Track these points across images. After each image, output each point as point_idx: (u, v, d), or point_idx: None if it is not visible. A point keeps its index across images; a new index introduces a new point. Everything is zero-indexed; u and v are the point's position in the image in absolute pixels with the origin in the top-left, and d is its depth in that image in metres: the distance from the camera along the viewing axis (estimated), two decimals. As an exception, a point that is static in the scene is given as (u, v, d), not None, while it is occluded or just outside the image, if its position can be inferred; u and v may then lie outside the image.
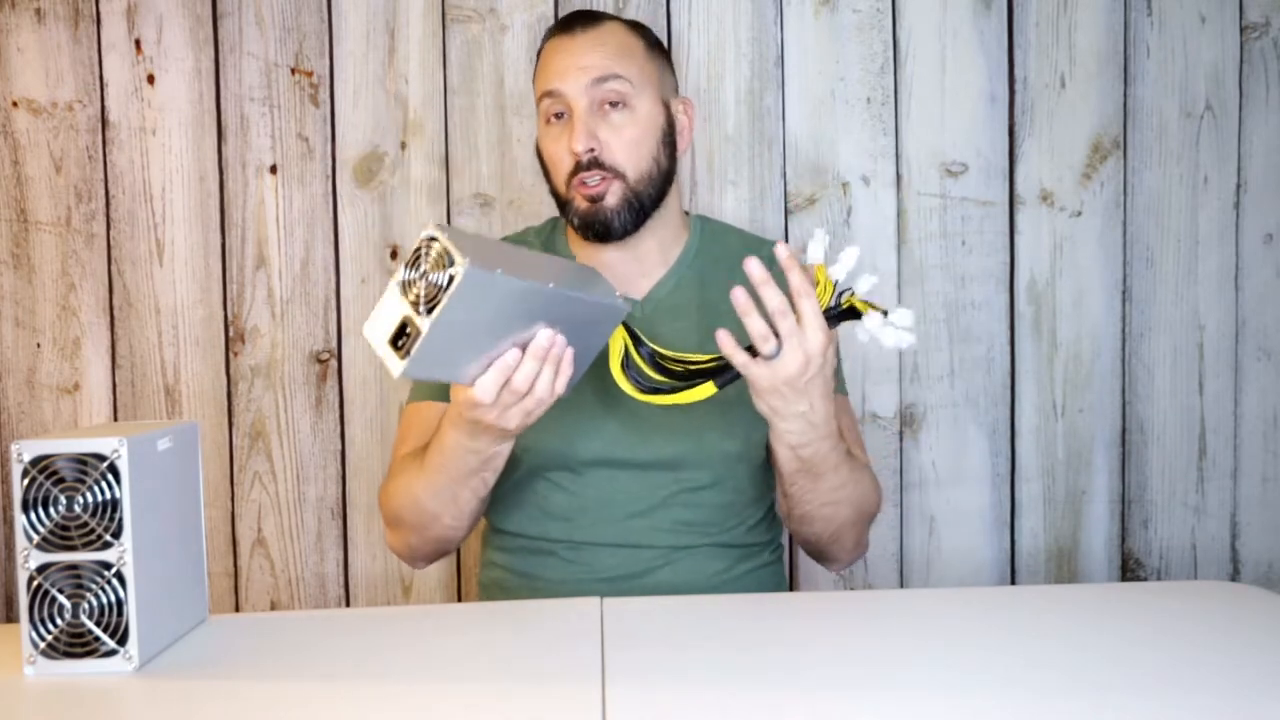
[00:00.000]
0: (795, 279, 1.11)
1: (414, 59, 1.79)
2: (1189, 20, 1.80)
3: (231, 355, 1.81)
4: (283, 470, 1.81)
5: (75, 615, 1.01)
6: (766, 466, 1.40)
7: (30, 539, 1.01)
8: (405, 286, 1.00)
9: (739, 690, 0.96)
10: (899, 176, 1.80)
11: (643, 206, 1.36)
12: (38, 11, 1.78)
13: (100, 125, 1.79)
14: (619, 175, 1.34)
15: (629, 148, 1.35)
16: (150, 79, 1.79)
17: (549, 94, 1.36)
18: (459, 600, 1.81)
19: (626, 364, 1.20)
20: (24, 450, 1.01)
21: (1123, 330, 1.82)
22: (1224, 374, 1.83)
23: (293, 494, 1.82)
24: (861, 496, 1.32)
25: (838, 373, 1.41)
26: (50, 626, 1.02)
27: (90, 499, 1.01)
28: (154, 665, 1.04)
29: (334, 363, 1.81)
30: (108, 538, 1.01)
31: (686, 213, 1.49)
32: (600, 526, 1.36)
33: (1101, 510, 1.83)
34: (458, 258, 0.97)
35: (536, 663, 1.05)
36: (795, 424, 1.18)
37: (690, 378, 1.18)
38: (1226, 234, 1.82)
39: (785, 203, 1.80)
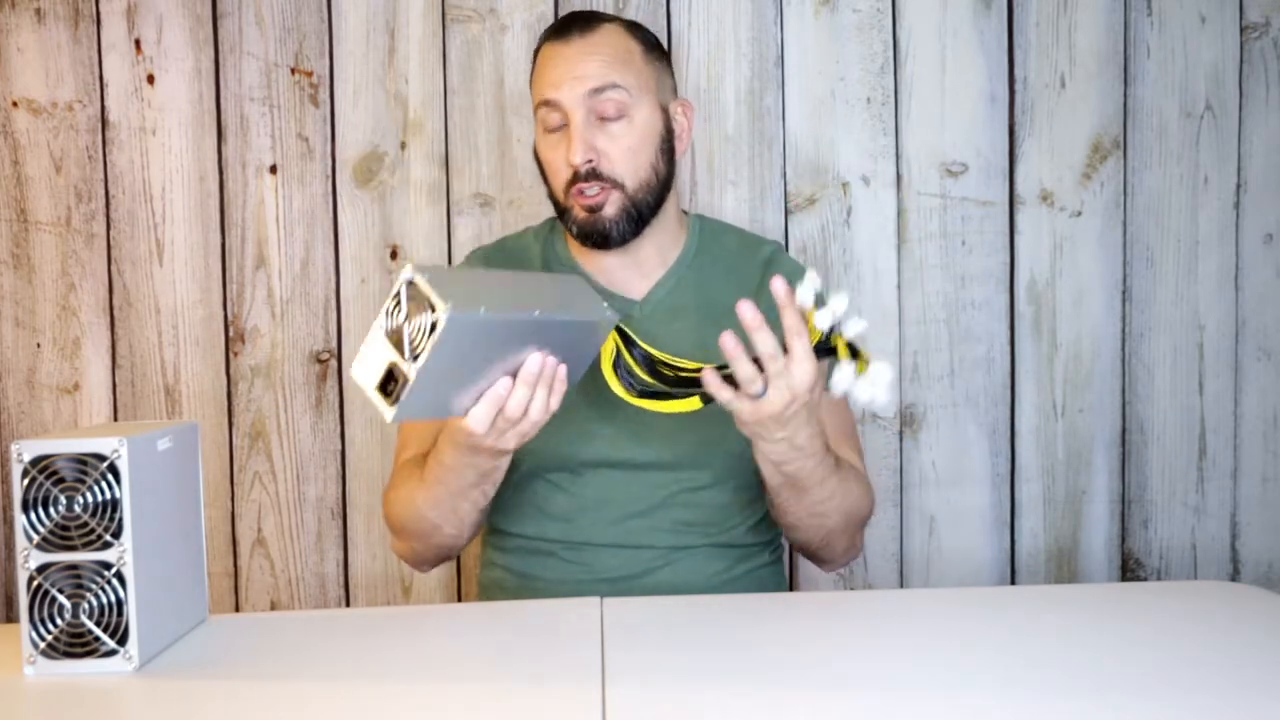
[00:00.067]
0: (790, 319, 1.10)
1: (414, 59, 1.79)
2: (1189, 20, 1.80)
3: (231, 355, 1.81)
4: (283, 470, 1.81)
5: (75, 615, 1.01)
6: (766, 467, 1.40)
7: (30, 539, 1.01)
8: (389, 332, 1.00)
9: (739, 690, 0.96)
10: (899, 176, 1.80)
11: (641, 215, 1.36)
12: (38, 11, 1.78)
13: (100, 125, 1.79)
14: (617, 185, 1.34)
15: (627, 157, 1.34)
16: (150, 79, 1.79)
17: (546, 104, 1.35)
18: (459, 600, 1.81)
19: (618, 365, 1.20)
20: (24, 450, 1.01)
21: (1123, 330, 1.82)
22: (1224, 374, 1.83)
23: (293, 494, 1.82)
24: (850, 506, 1.32)
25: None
26: (50, 626, 1.02)
27: (90, 499, 1.01)
28: (154, 665, 1.04)
29: (334, 363, 1.81)
30: (108, 538, 1.01)
31: (685, 212, 1.49)
32: (600, 527, 1.36)
33: (1101, 510, 1.83)
34: (439, 303, 0.96)
35: (536, 663, 1.05)
36: (778, 446, 1.19)
37: (681, 384, 1.18)
38: (1226, 234, 1.82)
39: (785, 203, 1.80)
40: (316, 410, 1.81)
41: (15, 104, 1.79)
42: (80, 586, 1.01)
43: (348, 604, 1.83)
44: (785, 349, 1.11)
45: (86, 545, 1.01)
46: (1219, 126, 1.81)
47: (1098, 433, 1.82)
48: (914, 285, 1.81)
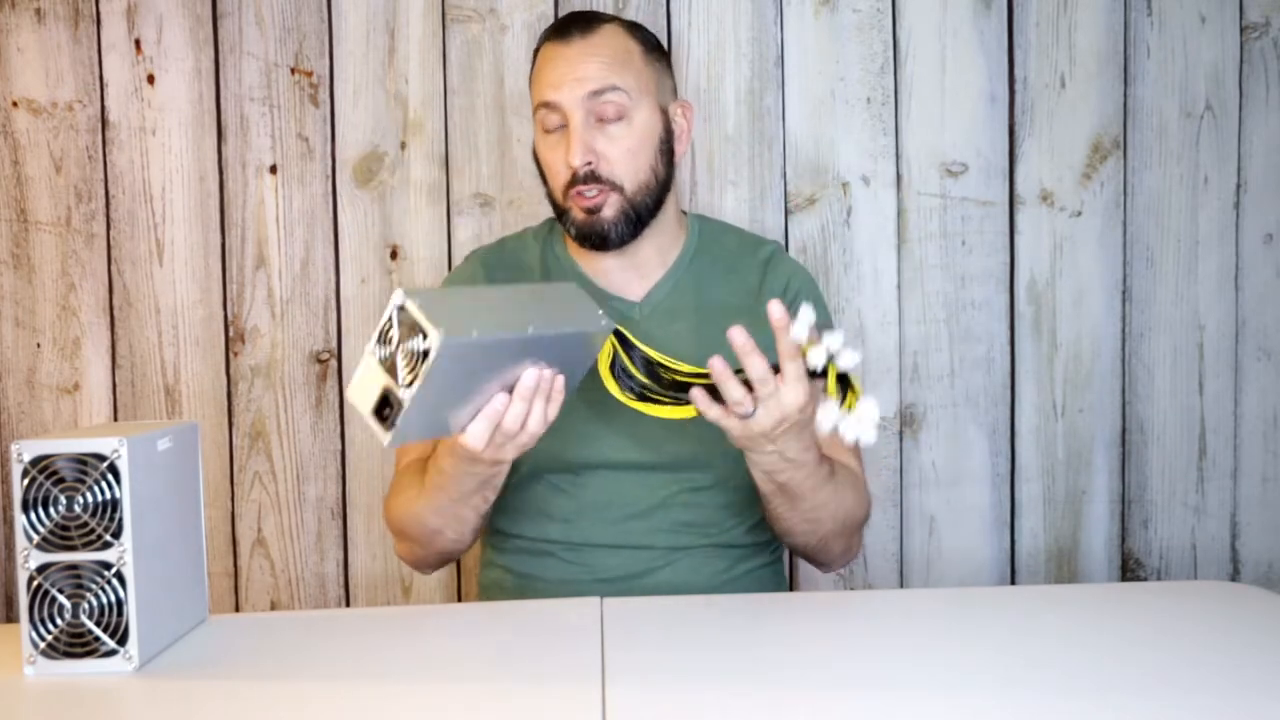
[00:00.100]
0: (784, 344, 1.10)
1: (414, 59, 1.79)
2: (1189, 20, 1.80)
3: (231, 355, 1.81)
4: (283, 470, 1.81)
5: (75, 615, 1.01)
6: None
7: (30, 539, 1.01)
8: (382, 359, 1.00)
9: (739, 690, 0.96)
10: (899, 176, 1.80)
11: (640, 216, 1.36)
12: (38, 11, 1.78)
13: (100, 125, 1.79)
14: (616, 187, 1.34)
15: (626, 159, 1.34)
16: (150, 79, 1.79)
17: (545, 105, 1.35)
18: (459, 600, 1.81)
19: (615, 367, 1.20)
20: (24, 450, 1.01)
21: (1123, 330, 1.82)
22: (1224, 374, 1.83)
23: (293, 494, 1.82)
24: (845, 512, 1.32)
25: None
26: (50, 626, 1.02)
27: (90, 499, 1.01)
28: (154, 665, 1.04)
29: (334, 363, 1.81)
30: (108, 538, 1.01)
31: (684, 212, 1.49)
32: (599, 528, 1.36)
33: (1101, 510, 1.83)
34: (430, 330, 0.97)
35: (536, 663, 1.05)
36: (769, 458, 1.19)
37: (678, 388, 1.18)
38: (1226, 234, 1.82)
39: (785, 203, 1.80)
40: (316, 410, 1.81)
41: (15, 104, 1.79)
42: (80, 586, 1.01)
43: (348, 604, 1.83)
44: (778, 369, 1.11)
45: (86, 545, 1.01)
46: (1219, 126, 1.81)
47: (1098, 433, 1.82)
48: (914, 285, 1.81)
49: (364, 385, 1.01)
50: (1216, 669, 0.99)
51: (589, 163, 1.33)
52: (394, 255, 1.80)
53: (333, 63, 1.79)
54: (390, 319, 0.99)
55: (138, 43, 1.79)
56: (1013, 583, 1.83)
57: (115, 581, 1.01)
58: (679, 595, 1.30)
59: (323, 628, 1.21)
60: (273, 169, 1.79)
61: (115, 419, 1.81)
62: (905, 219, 1.81)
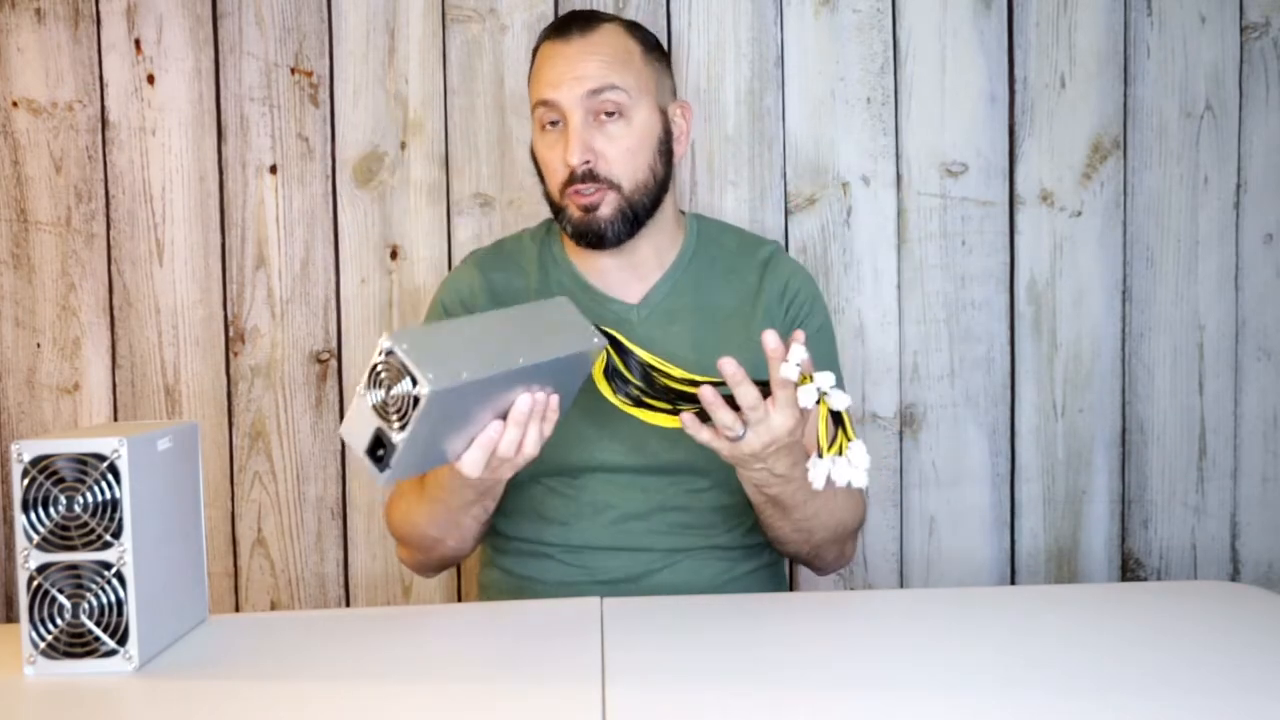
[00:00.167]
0: (776, 372, 1.11)
1: (414, 59, 1.79)
2: (1189, 20, 1.80)
3: (231, 355, 1.81)
4: (283, 470, 1.81)
5: (75, 615, 1.01)
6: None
7: (30, 539, 1.01)
8: (374, 405, 1.00)
9: (739, 690, 0.96)
10: (899, 176, 1.80)
11: (637, 216, 1.36)
12: (38, 11, 1.78)
13: (100, 125, 1.79)
14: (614, 186, 1.34)
15: (625, 158, 1.34)
16: (150, 79, 1.79)
17: (544, 103, 1.35)
18: (459, 600, 1.81)
19: (610, 372, 1.20)
20: (24, 450, 1.01)
21: (1123, 330, 1.82)
22: (1224, 374, 1.83)
23: (293, 494, 1.82)
24: (837, 521, 1.32)
25: (836, 377, 1.41)
26: (50, 626, 1.02)
27: (90, 499, 1.01)
28: (154, 665, 1.04)
29: (334, 363, 1.81)
30: (108, 538, 1.01)
31: (682, 212, 1.49)
32: (597, 530, 1.36)
33: (1101, 510, 1.83)
34: (420, 377, 0.97)
35: (536, 663, 1.05)
36: (758, 474, 1.20)
37: (672, 396, 1.18)
38: (1226, 234, 1.82)
39: (785, 203, 1.80)
40: (316, 410, 1.81)
41: (15, 104, 1.79)
42: (80, 586, 1.01)
43: (348, 604, 1.83)
44: (768, 391, 1.12)
45: (86, 545, 1.01)
46: (1219, 126, 1.81)
47: (1098, 433, 1.82)
48: (914, 285, 1.81)
49: (357, 425, 1.02)
50: (1216, 669, 0.99)
51: (587, 161, 1.32)
52: (394, 255, 1.80)
53: (333, 63, 1.79)
54: (380, 362, 0.99)
55: (138, 43, 1.79)
56: (1013, 583, 1.83)
57: (115, 581, 1.01)
58: (679, 595, 1.31)
59: (323, 628, 1.21)
60: (273, 169, 1.79)
61: (115, 419, 1.81)
62: (905, 219, 1.81)
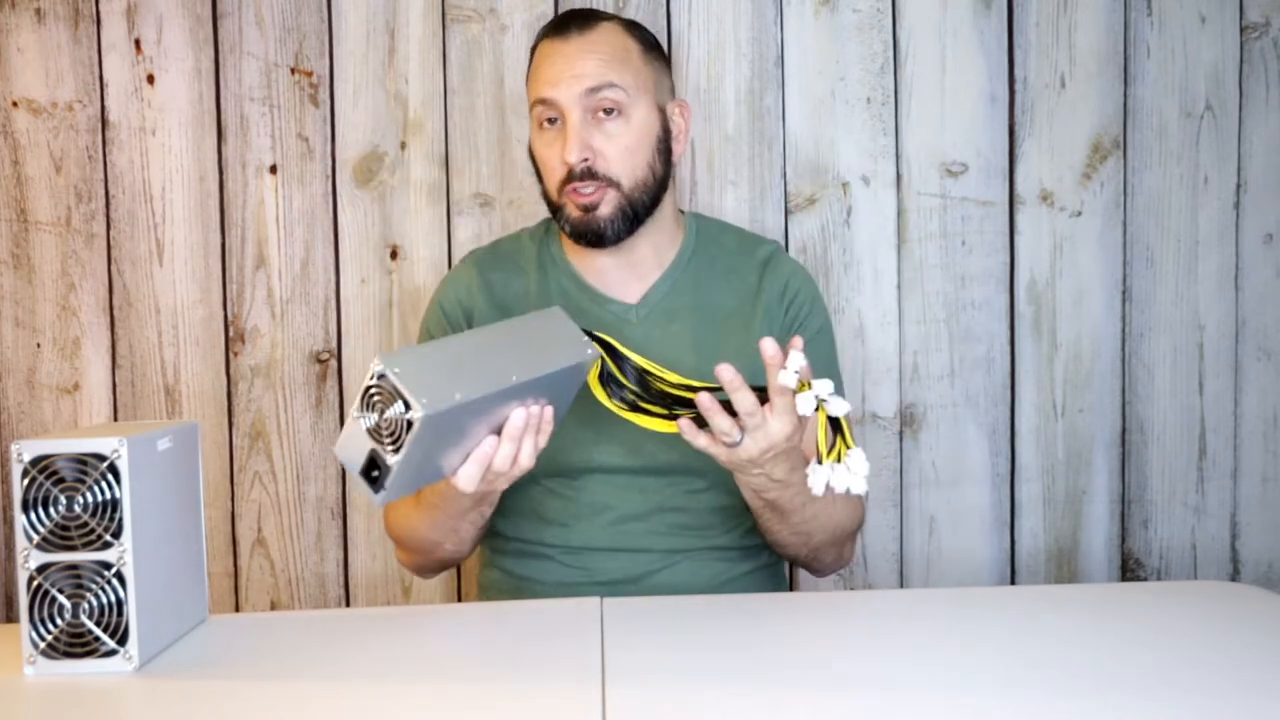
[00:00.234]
0: (774, 379, 1.11)
1: (414, 59, 1.79)
2: (1189, 20, 1.80)
3: (231, 355, 1.81)
4: (283, 470, 1.81)
5: (75, 615, 1.01)
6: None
7: (30, 539, 1.01)
8: (368, 427, 1.01)
9: (739, 690, 0.96)
10: (899, 176, 1.80)
11: (636, 214, 1.36)
12: (38, 11, 1.78)
13: (100, 125, 1.79)
14: (613, 184, 1.33)
15: (623, 156, 1.34)
16: (150, 79, 1.79)
17: (542, 101, 1.35)
18: (459, 600, 1.81)
19: (604, 376, 1.20)
20: (24, 450, 1.01)
21: (1123, 330, 1.82)
22: (1224, 374, 1.83)
23: (293, 494, 1.82)
24: (835, 524, 1.32)
25: (836, 379, 1.41)
26: (50, 626, 1.02)
27: (90, 499, 1.01)
28: (154, 665, 1.04)
29: (334, 363, 1.81)
30: (108, 538, 1.01)
31: (682, 211, 1.49)
32: (596, 531, 1.36)
33: (1101, 510, 1.83)
34: (413, 401, 0.98)
35: (536, 663, 1.05)
36: (756, 479, 1.20)
37: (665, 401, 1.18)
38: (1226, 234, 1.82)
39: (785, 203, 1.80)
40: (316, 410, 1.81)
41: (15, 104, 1.79)
42: (80, 586, 1.01)
43: (348, 604, 1.83)
44: (765, 398, 1.12)
45: (86, 545, 1.01)
46: (1219, 126, 1.81)
47: (1098, 433, 1.82)
48: (914, 285, 1.81)
49: (351, 447, 1.03)
50: (1216, 669, 0.99)
51: (586, 159, 1.32)
52: (394, 255, 1.80)
53: (333, 63, 1.79)
54: (373, 385, 1.00)
55: (138, 43, 1.79)
56: (1013, 583, 1.83)
57: (115, 581, 1.01)
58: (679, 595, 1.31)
59: (323, 628, 1.21)
60: (273, 169, 1.79)
61: (115, 419, 1.81)
62: (905, 219, 1.81)
